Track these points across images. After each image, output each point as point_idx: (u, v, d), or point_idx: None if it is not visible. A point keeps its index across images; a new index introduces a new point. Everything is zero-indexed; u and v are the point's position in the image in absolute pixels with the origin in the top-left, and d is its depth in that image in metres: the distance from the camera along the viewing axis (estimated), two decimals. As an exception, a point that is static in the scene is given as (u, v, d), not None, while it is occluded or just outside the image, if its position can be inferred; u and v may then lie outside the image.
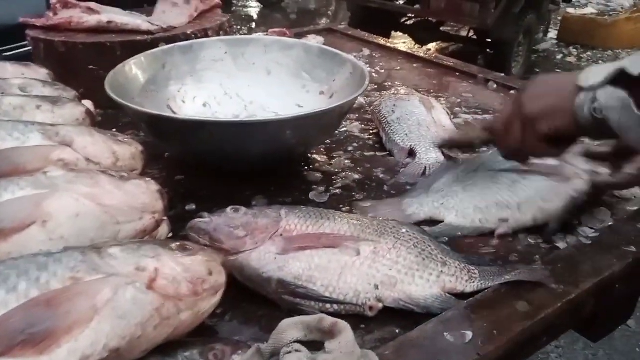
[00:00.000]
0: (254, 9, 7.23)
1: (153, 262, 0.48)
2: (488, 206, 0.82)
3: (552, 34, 5.91)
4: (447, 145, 0.99)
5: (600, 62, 5.20)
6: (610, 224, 0.81)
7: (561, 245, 0.78)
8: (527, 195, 0.81)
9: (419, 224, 0.82)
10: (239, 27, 5.94)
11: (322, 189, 0.93)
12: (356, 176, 0.97)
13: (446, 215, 0.83)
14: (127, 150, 0.74)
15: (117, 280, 0.45)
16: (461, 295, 0.67)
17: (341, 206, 0.88)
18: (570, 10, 5.94)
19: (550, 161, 0.82)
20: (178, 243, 0.53)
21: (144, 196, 0.61)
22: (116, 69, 0.97)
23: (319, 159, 1.03)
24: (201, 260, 0.52)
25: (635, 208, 0.85)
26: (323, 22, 6.29)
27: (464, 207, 0.83)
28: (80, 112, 0.86)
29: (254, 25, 6.32)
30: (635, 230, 0.78)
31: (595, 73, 0.63)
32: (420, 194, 0.88)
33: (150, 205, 0.61)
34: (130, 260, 0.48)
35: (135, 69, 1.01)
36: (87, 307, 0.43)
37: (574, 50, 5.54)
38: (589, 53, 5.46)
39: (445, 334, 0.59)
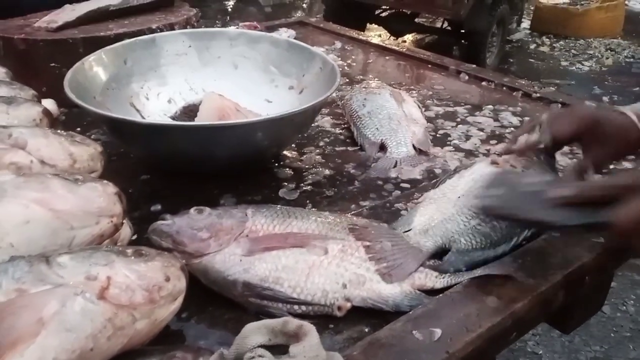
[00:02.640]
0: (229, 2, 7.15)
1: (105, 270, 0.46)
2: None
3: (526, 23, 5.97)
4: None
5: (572, 51, 5.27)
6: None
7: (531, 237, 0.77)
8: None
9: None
10: (212, 21, 5.87)
11: (292, 185, 0.91)
12: (327, 172, 0.96)
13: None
14: (84, 151, 0.72)
15: (64, 291, 0.43)
16: (431, 292, 0.66)
17: (308, 201, 0.86)
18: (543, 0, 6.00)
19: None
20: (133, 249, 0.51)
21: (100, 200, 0.58)
22: (75, 67, 0.93)
23: (290, 155, 1.01)
24: (158, 266, 0.50)
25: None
26: (298, 15, 6.25)
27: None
28: (36, 112, 0.83)
29: (228, 19, 6.24)
30: (604, 220, 0.78)
31: None
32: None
33: (107, 208, 0.59)
34: (80, 269, 0.45)
35: (95, 66, 0.97)
36: (32, 321, 0.41)
37: (547, 39, 5.60)
38: (561, 42, 5.52)
39: (414, 332, 0.58)
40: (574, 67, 4.91)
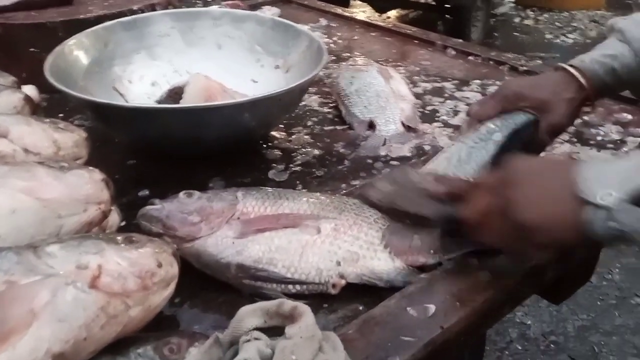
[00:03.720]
0: (209, -19, 7.01)
1: (95, 259, 0.45)
2: None
3: (510, -4, 5.93)
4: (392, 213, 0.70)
5: (556, 24, 5.27)
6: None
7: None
8: None
9: None
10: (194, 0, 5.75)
11: (281, 166, 0.90)
12: (316, 152, 0.95)
13: None
14: (69, 138, 0.70)
15: (55, 281, 0.42)
16: (425, 267, 0.67)
17: (298, 182, 0.86)
18: (527, -28, 5.96)
19: None
20: (124, 236, 0.50)
21: (87, 186, 0.57)
22: (55, 51, 0.91)
23: (278, 135, 1.00)
24: (149, 253, 0.49)
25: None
26: (281, -8, 6.15)
27: None
28: (17, 99, 0.81)
29: (210, -2, 6.12)
30: (593, 192, 0.79)
31: (602, 183, 0.53)
32: None
33: (94, 195, 0.58)
34: (71, 258, 0.45)
35: (75, 49, 0.95)
36: (24, 313, 0.40)
37: (531, 13, 5.58)
38: (545, 15, 5.51)
39: (408, 308, 0.59)
40: (558, 40, 4.91)
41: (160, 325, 0.59)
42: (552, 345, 1.85)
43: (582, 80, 0.78)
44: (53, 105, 1.06)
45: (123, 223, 0.73)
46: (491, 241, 0.62)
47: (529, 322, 1.94)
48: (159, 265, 0.49)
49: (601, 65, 0.78)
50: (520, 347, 1.85)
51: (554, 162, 0.68)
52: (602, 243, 0.62)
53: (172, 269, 0.52)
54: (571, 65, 0.80)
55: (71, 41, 0.95)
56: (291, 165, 0.91)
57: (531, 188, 0.58)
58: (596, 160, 0.61)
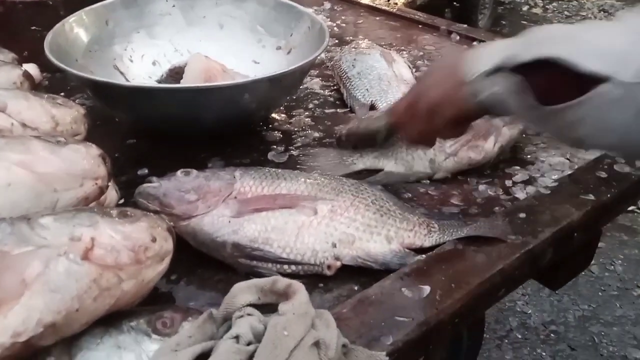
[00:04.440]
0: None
1: (89, 231, 0.45)
2: (425, 150, 0.82)
3: (519, -15, 5.86)
4: (347, 140, 0.86)
5: (565, 12, 5.21)
6: (569, 173, 0.81)
7: (520, 195, 0.77)
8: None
9: (358, 173, 0.82)
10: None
11: (281, 148, 0.90)
12: (316, 134, 0.95)
13: (385, 163, 0.83)
14: (67, 113, 0.70)
15: (48, 252, 0.42)
16: (421, 250, 0.67)
17: (298, 165, 0.85)
18: (537, -40, 5.88)
19: None
20: (118, 210, 0.50)
21: (83, 162, 0.57)
22: (55, 29, 0.90)
23: (278, 117, 0.99)
24: (143, 227, 0.49)
25: (594, 157, 0.85)
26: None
27: (402, 154, 0.83)
28: (17, 75, 0.81)
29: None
30: (594, 178, 0.78)
31: (481, 59, 0.61)
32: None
33: (91, 171, 0.57)
34: (64, 230, 0.44)
35: (76, 27, 0.94)
36: (15, 283, 0.40)
37: (540, 1, 5.51)
38: (554, 4, 5.44)
39: (403, 289, 0.59)
40: (566, 29, 4.85)
41: (156, 301, 0.59)
42: (552, 335, 1.85)
43: None
44: (54, 84, 1.06)
45: (121, 201, 0.73)
46: (414, 134, 0.73)
47: (529, 311, 1.94)
48: (153, 240, 0.49)
49: None
50: (520, 336, 1.85)
51: (451, 56, 0.79)
52: (484, 115, 0.68)
53: (167, 244, 0.51)
54: None
55: (71, 19, 0.95)
56: (291, 147, 0.90)
57: (436, 71, 0.72)
58: (482, 45, 0.69)
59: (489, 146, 0.82)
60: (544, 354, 1.78)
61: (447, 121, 0.67)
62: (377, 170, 0.83)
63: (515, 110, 0.59)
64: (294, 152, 0.89)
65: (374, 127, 0.82)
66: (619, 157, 0.81)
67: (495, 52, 0.60)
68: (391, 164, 0.83)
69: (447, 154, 0.81)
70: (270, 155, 0.88)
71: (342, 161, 0.83)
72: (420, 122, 0.70)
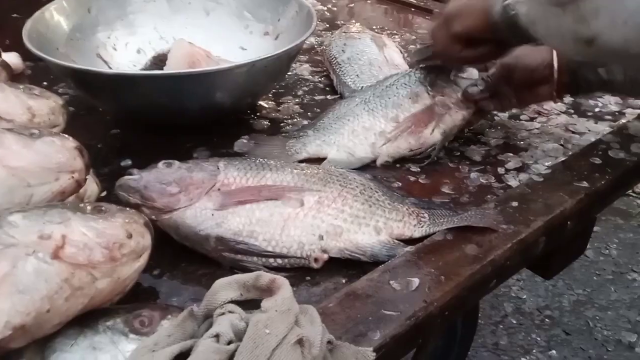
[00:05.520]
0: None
1: (59, 229, 0.43)
2: (365, 135, 0.81)
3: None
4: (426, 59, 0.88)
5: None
6: (562, 159, 0.79)
7: (513, 183, 0.76)
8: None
9: (302, 162, 0.80)
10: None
11: (269, 137, 0.88)
12: (305, 122, 0.92)
13: (328, 151, 0.81)
14: (44, 104, 0.68)
15: (15, 251, 0.40)
16: (410, 241, 0.65)
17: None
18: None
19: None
20: (93, 205, 0.48)
21: (58, 155, 0.55)
22: (35, 16, 0.88)
23: (266, 105, 0.97)
24: (119, 223, 0.47)
25: (588, 142, 0.83)
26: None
27: (343, 141, 0.81)
28: (-7, 65, 0.78)
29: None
30: (587, 165, 0.76)
31: None
32: (305, 133, 0.84)
33: (66, 164, 0.55)
34: (33, 228, 0.43)
35: (57, 15, 0.92)
36: (-19, 284, 0.38)
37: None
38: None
39: (391, 282, 0.57)
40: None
41: (138, 297, 0.57)
42: (546, 320, 1.85)
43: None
44: (37, 73, 1.03)
45: (104, 193, 0.71)
46: (439, 49, 0.78)
47: (524, 297, 1.94)
48: (129, 236, 0.47)
49: None
50: (515, 322, 1.85)
51: None
52: (500, 32, 0.68)
53: (144, 240, 0.50)
54: None
55: (52, 5, 0.92)
56: (279, 136, 0.88)
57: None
58: None
59: (427, 133, 0.81)
60: (538, 339, 1.78)
61: (458, 35, 0.70)
62: (321, 160, 0.81)
63: (531, 18, 0.59)
64: (282, 141, 0.87)
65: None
66: (627, 65, 0.77)
67: None
68: (334, 152, 0.81)
69: (387, 139, 0.80)
70: (258, 144, 0.86)
71: (284, 150, 0.81)
72: (441, 38, 0.74)
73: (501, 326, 1.83)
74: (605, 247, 2.15)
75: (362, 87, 0.98)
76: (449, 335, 1.25)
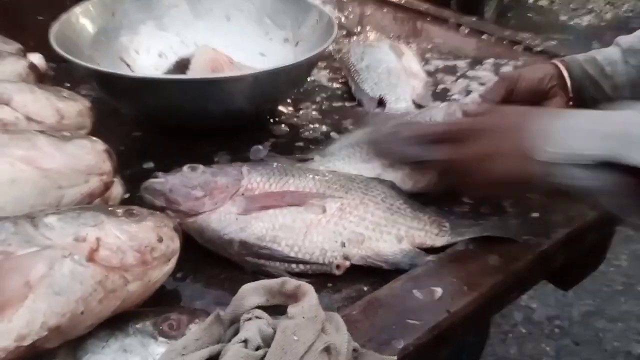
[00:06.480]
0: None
1: (94, 231, 0.44)
2: (373, 166, 0.76)
3: (526, -25, 5.79)
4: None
5: (571, 5, 5.14)
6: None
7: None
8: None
9: None
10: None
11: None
12: (324, 128, 0.93)
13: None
14: (72, 107, 0.69)
15: (52, 253, 0.41)
16: (431, 250, 0.65)
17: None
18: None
19: None
20: (124, 209, 0.49)
21: (88, 157, 0.56)
22: (61, 20, 0.89)
23: (285, 110, 0.98)
24: (150, 227, 0.48)
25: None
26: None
27: (349, 169, 0.76)
28: (22, 66, 0.79)
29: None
30: (607, 177, 0.76)
31: (554, 138, 0.56)
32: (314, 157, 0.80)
33: (96, 166, 0.56)
34: (69, 230, 0.43)
35: (82, 18, 0.93)
36: (19, 285, 0.39)
37: (547, -8, 5.45)
38: (561, -4, 5.38)
39: (414, 291, 0.57)
40: (572, 22, 4.79)
41: (161, 300, 0.58)
42: (556, 330, 1.84)
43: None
44: (60, 74, 1.04)
45: (127, 195, 0.71)
46: (475, 186, 0.65)
47: (534, 306, 1.93)
48: (160, 240, 0.48)
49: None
50: (524, 331, 1.84)
51: (509, 115, 0.67)
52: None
53: (173, 243, 0.50)
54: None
55: (78, 9, 0.93)
56: (298, 141, 0.89)
57: (490, 141, 0.62)
58: (549, 113, 0.63)
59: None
60: (548, 348, 1.78)
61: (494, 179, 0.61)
62: None
63: (610, 206, 0.56)
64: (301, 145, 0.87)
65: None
66: None
67: (572, 134, 0.55)
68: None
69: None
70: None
71: None
72: (484, 181, 0.62)
73: (511, 335, 1.82)
74: (616, 258, 2.14)
75: (380, 94, 0.98)
76: (459, 345, 1.24)
